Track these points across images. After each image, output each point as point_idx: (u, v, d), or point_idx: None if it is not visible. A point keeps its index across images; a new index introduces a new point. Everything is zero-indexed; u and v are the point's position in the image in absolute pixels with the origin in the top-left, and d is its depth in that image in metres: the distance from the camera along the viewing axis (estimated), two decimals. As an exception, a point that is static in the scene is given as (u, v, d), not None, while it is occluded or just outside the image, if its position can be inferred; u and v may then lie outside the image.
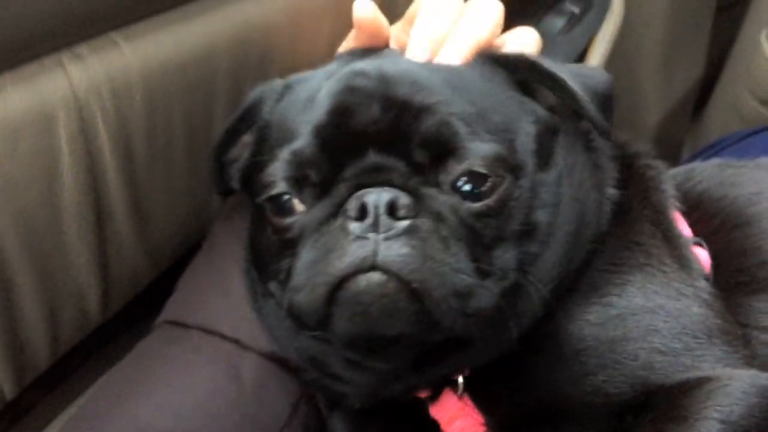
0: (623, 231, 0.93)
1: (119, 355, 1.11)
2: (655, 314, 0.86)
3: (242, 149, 0.99)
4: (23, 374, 1.05)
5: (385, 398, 0.92)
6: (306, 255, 0.79)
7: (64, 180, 0.96)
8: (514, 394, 0.88)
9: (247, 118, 0.97)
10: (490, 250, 0.81)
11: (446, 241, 0.77)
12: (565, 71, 0.88)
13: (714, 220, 1.00)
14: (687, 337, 0.85)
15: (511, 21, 1.08)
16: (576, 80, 0.88)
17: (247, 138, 0.98)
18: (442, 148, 0.80)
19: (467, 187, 0.81)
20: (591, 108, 0.87)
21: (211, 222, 1.18)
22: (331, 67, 0.93)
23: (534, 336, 0.86)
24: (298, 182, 0.83)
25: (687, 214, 1.00)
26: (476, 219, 0.80)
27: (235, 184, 1.01)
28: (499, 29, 1.02)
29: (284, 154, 0.83)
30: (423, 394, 0.93)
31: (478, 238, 0.80)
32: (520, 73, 0.90)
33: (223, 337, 1.05)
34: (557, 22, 1.60)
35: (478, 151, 0.80)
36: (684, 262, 0.92)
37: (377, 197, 0.77)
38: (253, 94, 0.97)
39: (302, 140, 0.83)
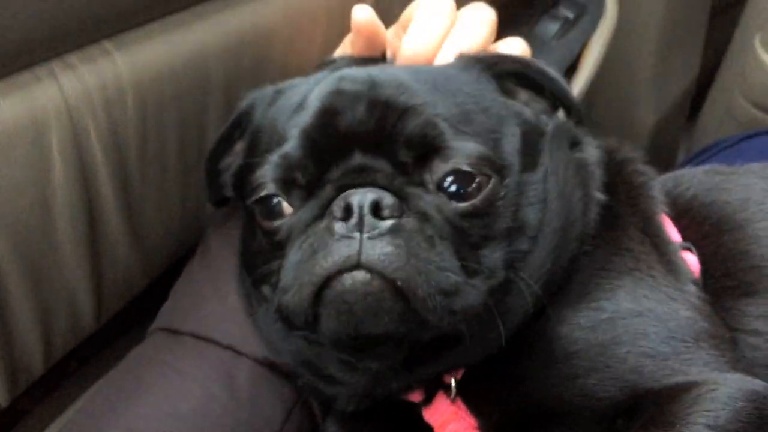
0: (613, 237, 0.93)
1: (113, 361, 1.11)
2: (644, 318, 0.87)
3: (235, 157, 1.00)
4: (17, 381, 1.05)
5: (379, 400, 0.93)
6: (293, 256, 0.80)
7: (56, 188, 0.96)
8: (506, 397, 0.89)
9: (240, 124, 0.99)
10: (477, 249, 0.82)
11: (431, 240, 0.78)
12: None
13: (703, 226, 1.01)
14: (675, 341, 0.85)
15: (505, 26, 1.09)
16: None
17: (240, 145, 0.99)
18: (427, 148, 0.82)
19: (453, 188, 0.82)
20: (567, 90, 0.91)
21: (205, 228, 1.18)
22: (322, 74, 0.94)
23: (525, 339, 0.87)
24: (286, 184, 0.84)
25: (676, 220, 1.00)
26: (462, 219, 0.82)
27: (229, 191, 1.02)
28: (493, 36, 1.03)
29: (273, 157, 0.84)
30: (416, 398, 0.93)
31: (465, 238, 0.81)
32: (503, 71, 0.93)
33: (217, 343, 1.05)
34: (551, 27, 1.60)
35: (464, 150, 0.82)
36: (672, 267, 0.93)
37: (362, 197, 0.78)
38: (245, 101, 0.99)
39: (290, 143, 0.84)
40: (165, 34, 1.03)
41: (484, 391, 0.90)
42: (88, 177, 1.00)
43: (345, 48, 1.11)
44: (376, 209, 0.78)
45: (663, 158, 2.07)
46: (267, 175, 0.84)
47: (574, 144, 0.98)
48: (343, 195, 0.79)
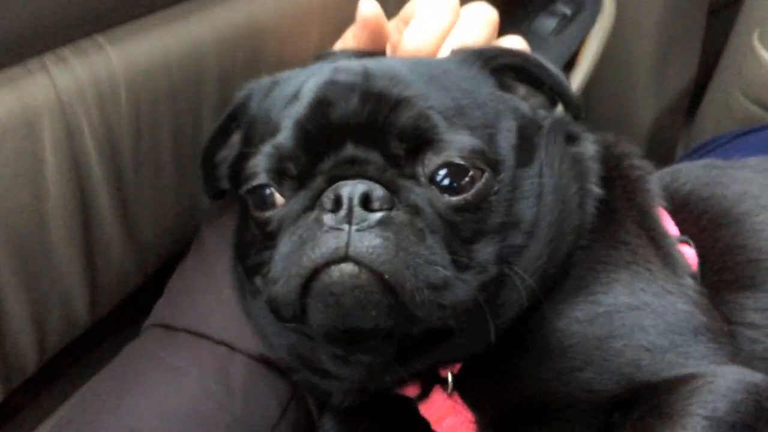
0: (610, 231, 0.93)
1: (108, 358, 1.11)
2: (642, 312, 0.87)
3: (231, 149, 1.00)
4: (10, 378, 1.05)
5: (374, 394, 0.92)
6: (283, 247, 0.80)
7: (48, 184, 0.95)
8: (503, 391, 0.88)
9: (236, 116, 0.98)
10: (469, 244, 0.82)
11: (421, 233, 0.78)
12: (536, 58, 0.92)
13: (701, 219, 1.01)
14: (673, 335, 0.85)
15: (503, 22, 1.09)
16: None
17: (236, 137, 0.99)
18: (419, 140, 0.81)
19: (446, 181, 0.82)
20: (566, 87, 0.91)
21: (199, 224, 1.18)
22: (318, 65, 0.94)
23: (522, 333, 0.86)
24: (278, 175, 0.84)
25: (674, 214, 1.00)
26: (454, 212, 0.81)
27: (225, 183, 1.01)
28: (494, 36, 1.03)
29: (266, 147, 0.84)
30: (412, 393, 0.93)
31: (457, 231, 0.81)
32: (501, 65, 0.92)
33: (211, 339, 1.05)
34: (549, 24, 1.60)
35: (457, 143, 0.81)
36: (670, 260, 0.93)
37: (352, 189, 0.77)
38: (241, 92, 0.99)
39: (283, 134, 0.84)
40: (159, 28, 1.02)
41: (481, 385, 0.89)
42: (82, 172, 0.99)
43: (345, 41, 1.10)
44: (366, 201, 0.77)
45: (661, 155, 2.06)
46: (259, 165, 0.84)
47: (571, 138, 0.98)
48: (333, 186, 0.79)
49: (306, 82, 0.87)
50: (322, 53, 1.10)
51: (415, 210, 0.79)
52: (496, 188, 0.83)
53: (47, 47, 0.93)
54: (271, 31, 1.14)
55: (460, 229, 0.81)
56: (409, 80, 0.85)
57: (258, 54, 1.14)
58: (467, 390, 0.90)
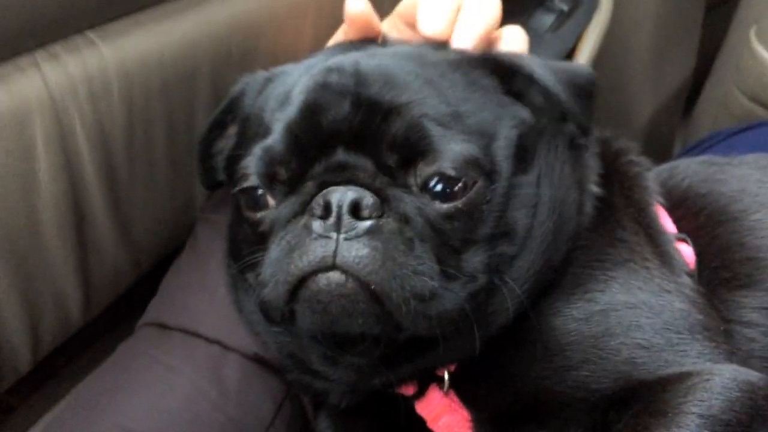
0: (607, 228, 0.92)
1: (102, 357, 1.11)
2: (638, 310, 0.86)
3: (228, 140, 0.99)
4: (4, 377, 1.04)
5: (367, 394, 0.92)
6: (272, 252, 0.80)
7: (40, 181, 0.95)
8: (499, 389, 0.88)
9: (231, 109, 0.97)
10: (459, 253, 0.81)
11: (410, 242, 0.77)
12: (546, 69, 0.88)
13: (699, 217, 1.00)
14: (669, 333, 0.85)
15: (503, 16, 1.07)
16: (558, 78, 0.87)
17: (233, 129, 0.98)
18: (411, 151, 0.80)
19: (438, 188, 0.81)
20: (573, 106, 0.87)
21: (194, 222, 1.17)
22: (314, 60, 0.93)
23: (518, 331, 0.86)
24: (269, 178, 0.83)
25: (672, 210, 1.00)
26: (444, 220, 0.80)
27: (221, 175, 1.01)
28: (499, 21, 1.02)
29: (257, 149, 0.83)
30: (409, 392, 0.92)
31: (447, 240, 0.80)
32: (503, 74, 0.90)
33: (206, 338, 1.05)
34: (546, 20, 1.60)
35: (449, 153, 0.80)
36: (667, 258, 0.92)
37: (341, 196, 0.77)
38: (236, 86, 0.98)
39: (274, 137, 0.83)
40: (151, 24, 1.02)
41: (478, 383, 0.89)
42: (74, 170, 0.98)
43: (338, 39, 1.09)
44: (356, 209, 0.77)
45: (659, 151, 2.06)
46: (250, 167, 0.83)
47: (572, 139, 0.96)
48: (323, 192, 0.78)
49: (297, 83, 0.86)
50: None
51: (404, 218, 0.78)
52: (488, 197, 0.82)
53: (38, 44, 0.92)
54: (264, 27, 1.14)
55: (450, 238, 0.80)
56: (404, 83, 0.83)
57: (251, 51, 1.13)
58: (463, 388, 0.90)
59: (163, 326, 1.07)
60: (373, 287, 0.74)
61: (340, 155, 0.81)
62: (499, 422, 0.88)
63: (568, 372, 0.84)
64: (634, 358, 0.83)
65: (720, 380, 0.79)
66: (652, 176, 1.01)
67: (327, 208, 0.77)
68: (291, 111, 0.83)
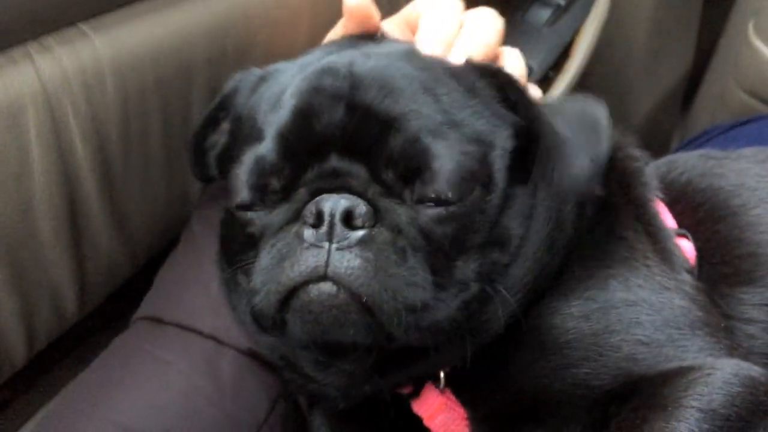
0: (606, 226, 0.92)
1: (98, 351, 1.10)
2: (638, 307, 0.85)
3: (221, 135, 0.98)
4: (-2, 372, 1.04)
5: (361, 397, 0.91)
6: (263, 259, 0.79)
7: (34, 175, 0.94)
8: (496, 387, 0.87)
9: (224, 106, 0.96)
10: (452, 261, 0.80)
11: (403, 253, 0.76)
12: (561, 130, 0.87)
13: (698, 212, 1.00)
14: (670, 329, 0.84)
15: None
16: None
17: (225, 125, 0.97)
18: (408, 169, 0.79)
19: (432, 203, 0.80)
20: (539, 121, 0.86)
21: (189, 216, 1.17)
22: (309, 57, 0.92)
23: (517, 329, 0.85)
24: (260, 190, 0.82)
25: (671, 205, 0.99)
26: (437, 228, 0.79)
27: (214, 171, 1.00)
28: (500, 41, 1.01)
29: (249, 158, 0.82)
30: (405, 390, 0.91)
31: (439, 249, 0.79)
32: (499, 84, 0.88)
33: (201, 333, 1.04)
34: (543, 14, 1.60)
35: (446, 172, 0.79)
36: (667, 255, 0.91)
37: (334, 204, 0.76)
38: (230, 83, 0.96)
39: (266, 145, 0.82)
40: (146, 16, 1.01)
41: (475, 381, 0.88)
42: (68, 163, 0.98)
43: (338, 31, 1.08)
44: (348, 218, 0.76)
45: (657, 146, 2.05)
46: (242, 179, 0.82)
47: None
48: (315, 200, 0.77)
49: (290, 85, 0.84)
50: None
51: (397, 228, 0.77)
52: (483, 207, 0.81)
53: (31, 36, 0.91)
54: (261, 19, 1.13)
55: (443, 246, 0.79)
56: (400, 89, 0.81)
57: (248, 43, 1.12)
58: (460, 386, 0.89)
59: (158, 320, 1.07)
60: (364, 299, 0.74)
61: (334, 161, 0.79)
62: (496, 420, 0.88)
63: (568, 370, 0.83)
64: (634, 354, 0.83)
65: (721, 375, 0.79)
66: (651, 171, 1.01)
67: (319, 217, 0.76)
68: (283, 115, 0.82)
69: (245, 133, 0.87)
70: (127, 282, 1.20)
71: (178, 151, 1.11)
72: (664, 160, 1.08)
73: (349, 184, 0.78)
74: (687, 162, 1.06)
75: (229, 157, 0.88)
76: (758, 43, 1.68)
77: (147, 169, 1.09)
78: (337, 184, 0.78)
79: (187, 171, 1.06)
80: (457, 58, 0.94)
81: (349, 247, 0.75)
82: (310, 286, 0.74)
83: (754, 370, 0.81)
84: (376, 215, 0.77)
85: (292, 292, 0.75)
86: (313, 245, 0.75)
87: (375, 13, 0.99)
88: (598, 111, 0.93)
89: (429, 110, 0.81)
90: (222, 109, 0.97)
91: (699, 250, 0.95)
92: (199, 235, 1.12)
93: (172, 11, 1.04)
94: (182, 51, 1.05)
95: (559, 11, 1.59)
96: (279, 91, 0.85)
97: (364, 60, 0.85)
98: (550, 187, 0.87)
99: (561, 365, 0.84)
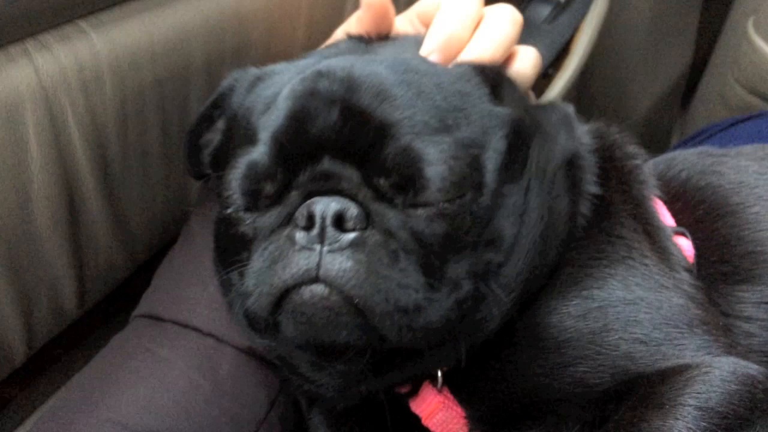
0: (604, 225, 0.92)
1: (97, 348, 1.09)
2: (636, 306, 0.86)
3: (216, 134, 0.98)
4: (-2, 369, 1.04)
5: (358, 397, 0.92)
6: (255, 262, 0.79)
7: (32, 172, 0.94)
8: (494, 386, 0.88)
9: (219, 105, 0.96)
10: (444, 263, 0.80)
11: (395, 255, 0.76)
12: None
13: (697, 210, 1.00)
14: (668, 328, 0.85)
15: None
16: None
17: (221, 123, 0.97)
18: (402, 178, 0.79)
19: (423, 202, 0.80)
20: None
21: (188, 213, 1.16)
22: (308, 60, 0.92)
23: (514, 328, 0.86)
24: (253, 194, 0.82)
25: (670, 204, 0.99)
26: (428, 227, 0.79)
27: (208, 169, 1.00)
28: (516, 39, 1.00)
29: (241, 163, 0.82)
30: (402, 390, 0.92)
31: (431, 250, 0.79)
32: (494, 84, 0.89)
33: (199, 331, 1.04)
34: (542, 11, 1.59)
35: (438, 181, 0.78)
36: (665, 253, 0.92)
37: (325, 207, 0.76)
38: (226, 81, 0.96)
39: (259, 149, 0.81)
40: (144, 14, 1.01)
41: (473, 380, 0.89)
42: (67, 160, 0.97)
43: (350, 26, 1.08)
44: (339, 220, 0.76)
45: (656, 143, 2.06)
46: (234, 185, 0.82)
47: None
48: (307, 203, 0.77)
49: (285, 88, 0.84)
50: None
51: (388, 231, 0.77)
52: (474, 207, 0.81)
53: (29, 33, 0.91)
54: (258, 18, 1.13)
55: (434, 248, 0.79)
56: (395, 95, 0.81)
57: (245, 41, 1.12)
58: (458, 385, 0.89)
59: (156, 318, 1.06)
60: (356, 301, 0.74)
61: (326, 164, 0.79)
62: (494, 419, 0.88)
63: (566, 369, 0.83)
64: (632, 352, 0.83)
65: (719, 373, 0.79)
66: (649, 169, 1.01)
67: (310, 219, 0.76)
68: (278, 118, 0.82)
69: (239, 133, 0.87)
70: (126, 280, 1.20)
71: (176, 148, 1.10)
72: (662, 158, 1.08)
73: (341, 187, 0.78)
74: (686, 160, 1.06)
75: (222, 157, 0.88)
76: (758, 40, 1.67)
77: (145, 167, 1.09)
78: (328, 186, 0.78)
79: (184, 162, 1.05)
80: (470, 52, 0.94)
81: (340, 249, 0.75)
82: (303, 288, 0.75)
83: (751, 368, 0.81)
84: (368, 218, 0.77)
85: (285, 294, 0.76)
86: (304, 248, 0.76)
87: (392, 12, 0.99)
88: (569, 109, 0.94)
89: (423, 116, 0.81)
90: (217, 107, 0.97)
91: (698, 248, 0.95)
92: (197, 232, 1.12)
93: (170, 9, 1.03)
94: (180, 49, 1.05)
95: (559, 8, 1.58)
96: (275, 92, 0.85)
97: (362, 65, 0.85)
98: (542, 184, 0.87)
99: (559, 364, 0.84)
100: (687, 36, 2.03)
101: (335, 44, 1.03)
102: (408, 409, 0.92)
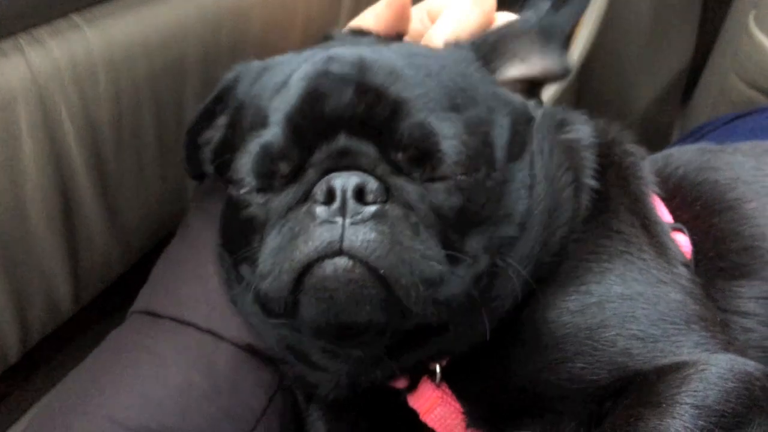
0: (602, 220, 0.92)
1: (94, 345, 1.09)
2: (634, 301, 0.86)
3: (216, 131, 0.98)
4: (-7, 366, 1.03)
5: (362, 389, 0.91)
6: (272, 241, 0.78)
7: (26, 168, 0.93)
8: (492, 382, 0.88)
9: (223, 98, 0.96)
10: (462, 236, 0.80)
11: (416, 227, 0.76)
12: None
13: (694, 206, 1.00)
14: (665, 324, 0.85)
15: (497, 4, 1.07)
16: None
17: (222, 120, 0.97)
18: (419, 151, 0.80)
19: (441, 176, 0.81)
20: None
21: (185, 208, 1.16)
22: (312, 51, 0.92)
23: (513, 324, 0.86)
24: (268, 175, 0.82)
25: (667, 200, 0.99)
26: (446, 200, 0.80)
27: (208, 167, 0.99)
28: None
29: (253, 146, 0.82)
30: (401, 385, 0.92)
31: (449, 224, 0.80)
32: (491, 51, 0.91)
33: (197, 327, 1.03)
34: (542, 6, 1.58)
35: (454, 154, 0.80)
36: (663, 249, 0.92)
37: (345, 181, 0.76)
38: (229, 74, 0.96)
39: (272, 131, 0.81)
40: (138, 8, 1.00)
41: (470, 375, 0.89)
42: (60, 156, 0.97)
43: (364, 20, 1.08)
44: (360, 194, 0.76)
45: (658, 138, 2.06)
46: (246, 168, 0.82)
47: (564, 125, 0.97)
48: (326, 178, 0.77)
49: (297, 71, 0.85)
50: (326, 35, 1.08)
51: (408, 204, 0.78)
52: (488, 183, 0.83)
53: (22, 27, 0.90)
54: (255, 11, 1.12)
55: (452, 221, 0.80)
56: (407, 76, 0.83)
57: (242, 36, 1.11)
58: (456, 381, 0.89)
59: (154, 314, 1.06)
60: (381, 272, 0.73)
61: (343, 141, 0.80)
62: (492, 414, 0.88)
63: (563, 365, 0.83)
64: (629, 349, 0.83)
65: (716, 370, 0.79)
66: (647, 165, 1.01)
67: (330, 194, 0.76)
68: (291, 98, 0.82)
69: (248, 120, 0.87)
70: (122, 276, 1.19)
71: (171, 144, 1.10)
72: (661, 155, 1.09)
73: (359, 163, 0.79)
74: (683, 156, 1.07)
75: (228, 149, 0.88)
76: (759, 35, 1.67)
77: (141, 163, 1.08)
78: (346, 162, 0.79)
79: (181, 164, 1.05)
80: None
81: (363, 221, 0.75)
82: (326, 261, 0.74)
83: (749, 364, 0.81)
84: (387, 192, 0.77)
85: (306, 269, 0.75)
86: (326, 221, 0.75)
87: (410, 9, 1.01)
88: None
89: (435, 95, 0.82)
90: (219, 101, 0.97)
91: (695, 244, 0.95)
92: (195, 228, 1.11)
93: (165, 4, 1.02)
94: (175, 44, 1.04)
95: (559, 3, 1.57)
96: (283, 78, 0.86)
97: (369, 51, 0.87)
98: (544, 159, 0.89)
99: (556, 360, 0.84)
100: (688, 31, 2.03)
101: (336, 39, 1.03)
102: (406, 404, 0.92)
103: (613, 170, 0.97)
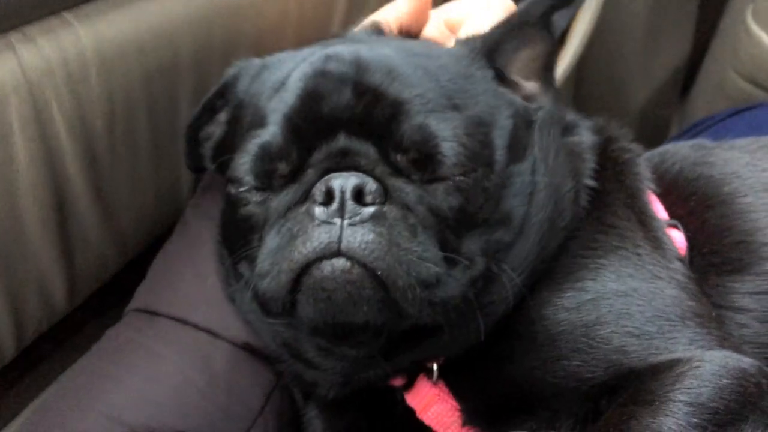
0: (598, 215, 0.93)
1: (90, 343, 1.09)
2: (629, 298, 0.86)
3: (217, 127, 0.98)
4: (-13, 365, 1.03)
5: (359, 387, 0.92)
6: (271, 241, 0.79)
7: (18, 165, 0.93)
8: (488, 379, 0.88)
9: (224, 94, 0.97)
10: (459, 239, 0.81)
11: (414, 228, 0.77)
12: None
13: (689, 202, 1.00)
14: (660, 320, 0.84)
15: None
16: None
17: (223, 116, 0.98)
18: (419, 154, 0.80)
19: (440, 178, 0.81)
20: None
21: (181, 207, 1.16)
22: (311, 49, 0.92)
23: (509, 321, 0.86)
24: (266, 177, 0.82)
25: (663, 196, 0.99)
26: (444, 201, 0.80)
27: (208, 163, 0.99)
28: None
29: (252, 146, 0.82)
30: (398, 383, 0.92)
31: (447, 226, 0.80)
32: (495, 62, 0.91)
33: (194, 326, 1.03)
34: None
35: (453, 156, 0.80)
36: (658, 244, 0.92)
37: (344, 182, 0.77)
38: (230, 71, 0.97)
39: (271, 131, 0.82)
40: (131, 6, 1.00)
41: (467, 373, 0.89)
42: (53, 154, 0.96)
43: (380, 16, 1.08)
44: (359, 195, 0.76)
45: (655, 134, 2.05)
46: (245, 168, 0.82)
47: (567, 128, 0.97)
48: (324, 179, 0.78)
49: (295, 71, 0.85)
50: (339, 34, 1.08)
51: (406, 206, 0.78)
52: (486, 185, 0.83)
53: (13, 25, 0.90)
54: (247, 9, 1.12)
55: (450, 223, 0.80)
56: (406, 75, 0.83)
57: (235, 34, 1.11)
58: (453, 378, 0.90)
59: (151, 312, 1.06)
60: (379, 273, 0.74)
61: (342, 141, 0.80)
62: (488, 412, 0.88)
63: (559, 362, 0.84)
64: (625, 346, 0.83)
65: (710, 367, 0.79)
66: (644, 162, 1.01)
67: (329, 194, 0.76)
68: (289, 98, 0.82)
69: (247, 119, 0.88)
70: (118, 274, 1.19)
71: (165, 142, 1.10)
72: (657, 151, 1.09)
73: (358, 163, 0.79)
74: (679, 152, 1.07)
75: (228, 146, 0.88)
76: (757, 29, 1.66)
77: (134, 160, 1.08)
78: (345, 163, 0.79)
79: (176, 162, 1.05)
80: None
81: (361, 222, 0.75)
82: (324, 262, 0.75)
83: (743, 361, 0.81)
84: (386, 193, 0.78)
85: (304, 269, 0.75)
86: (324, 222, 0.76)
87: (429, 10, 1.01)
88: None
89: (433, 95, 0.83)
90: (221, 96, 0.97)
91: (690, 239, 0.95)
92: (193, 226, 1.11)
93: (157, 1, 1.02)
94: (168, 41, 1.04)
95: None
96: (282, 78, 0.86)
97: (367, 49, 0.87)
98: (547, 164, 0.89)
99: (552, 357, 0.84)
100: (685, 26, 2.02)
101: (335, 38, 1.03)
102: (402, 402, 0.92)
103: (610, 166, 0.97)
